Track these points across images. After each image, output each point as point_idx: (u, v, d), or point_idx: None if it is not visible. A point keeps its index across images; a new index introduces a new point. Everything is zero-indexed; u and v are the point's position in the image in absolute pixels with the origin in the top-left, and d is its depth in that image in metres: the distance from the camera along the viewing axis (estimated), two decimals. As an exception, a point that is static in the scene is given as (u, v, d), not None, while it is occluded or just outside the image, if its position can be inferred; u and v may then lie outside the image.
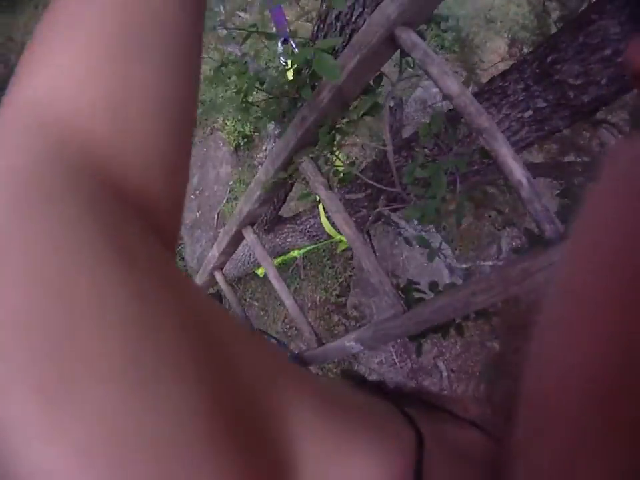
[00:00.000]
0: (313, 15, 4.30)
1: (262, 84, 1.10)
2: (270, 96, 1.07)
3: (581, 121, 1.24)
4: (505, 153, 0.83)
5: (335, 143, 1.12)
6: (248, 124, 3.75)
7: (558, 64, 1.11)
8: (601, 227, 0.24)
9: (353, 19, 1.14)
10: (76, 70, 0.36)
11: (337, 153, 1.19)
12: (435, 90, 3.80)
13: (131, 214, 0.34)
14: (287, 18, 4.34)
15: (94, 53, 0.36)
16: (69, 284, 0.26)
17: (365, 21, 1.04)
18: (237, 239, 1.53)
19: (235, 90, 1.07)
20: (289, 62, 1.50)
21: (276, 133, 1.34)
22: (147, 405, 0.25)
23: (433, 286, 1.16)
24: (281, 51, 1.89)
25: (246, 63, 1.11)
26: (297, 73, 1.00)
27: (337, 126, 1.10)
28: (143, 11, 0.39)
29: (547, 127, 1.21)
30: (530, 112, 1.20)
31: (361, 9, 1.10)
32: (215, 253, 1.67)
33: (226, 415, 0.29)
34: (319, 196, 1.16)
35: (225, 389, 0.31)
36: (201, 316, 0.33)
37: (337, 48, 1.17)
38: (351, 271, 3.46)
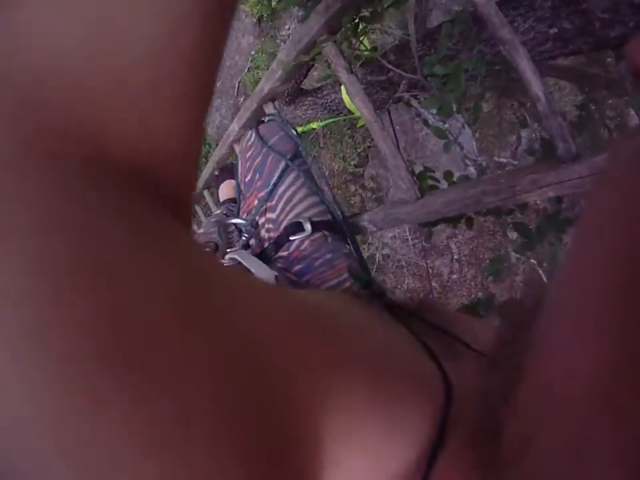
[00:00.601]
0: None
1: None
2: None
3: (604, 49, 1.24)
4: (525, 65, 0.85)
5: (359, 30, 1.14)
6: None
7: None
8: (605, 217, 0.25)
9: None
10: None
11: (362, 39, 1.21)
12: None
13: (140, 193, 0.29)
14: None
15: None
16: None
17: None
18: (258, 114, 1.54)
19: None
20: None
21: (299, 14, 1.34)
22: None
23: (448, 175, 1.20)
24: None
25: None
26: None
27: (361, 14, 1.11)
28: None
29: (570, 46, 1.21)
30: (555, 29, 1.20)
31: None
32: (235, 127, 1.69)
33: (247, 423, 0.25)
34: (340, 79, 1.19)
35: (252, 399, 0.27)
36: (224, 303, 0.29)
37: None
38: (370, 142, 3.42)
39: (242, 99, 3.60)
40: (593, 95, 1.58)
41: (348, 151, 3.50)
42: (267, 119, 1.32)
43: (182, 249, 0.30)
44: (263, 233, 1.20)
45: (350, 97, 1.20)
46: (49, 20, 0.27)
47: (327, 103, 2.12)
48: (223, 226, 1.30)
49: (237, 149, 1.24)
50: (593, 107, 1.52)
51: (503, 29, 0.86)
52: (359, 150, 3.48)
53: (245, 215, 1.26)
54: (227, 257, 1.08)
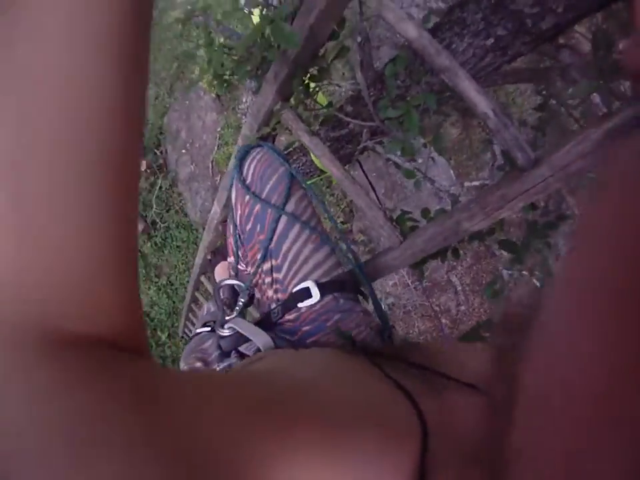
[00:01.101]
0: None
1: (230, 48, 1.15)
2: (239, 59, 1.12)
3: (543, 44, 1.26)
4: (468, 87, 0.88)
5: (311, 91, 1.18)
6: (226, 70, 3.69)
7: None
8: (603, 222, 0.25)
9: None
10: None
11: (315, 98, 1.25)
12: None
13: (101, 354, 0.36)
14: None
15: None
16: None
17: None
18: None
19: (206, 62, 1.12)
20: (254, 11, 1.53)
21: (252, 86, 1.39)
22: None
23: (425, 213, 1.22)
24: None
25: (210, 33, 1.17)
26: (262, 18, 1.03)
27: (310, 74, 1.16)
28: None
29: (510, 52, 1.25)
30: (492, 40, 1.23)
31: None
32: (216, 209, 1.72)
33: None
34: (303, 142, 1.22)
35: None
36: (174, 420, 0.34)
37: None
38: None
39: (218, 178, 3.65)
40: (552, 90, 1.61)
41: (331, 209, 3.52)
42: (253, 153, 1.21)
43: (136, 380, 0.35)
44: (270, 293, 1.16)
45: (317, 157, 1.23)
46: None
47: (298, 167, 2.17)
48: (220, 289, 1.28)
49: (233, 193, 1.23)
50: (554, 102, 1.55)
51: (439, 57, 0.90)
52: (342, 206, 3.52)
53: (249, 268, 1.22)
54: (225, 325, 1.06)
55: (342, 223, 3.53)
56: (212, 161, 3.70)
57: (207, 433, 0.35)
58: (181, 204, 3.92)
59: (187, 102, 3.94)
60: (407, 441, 0.43)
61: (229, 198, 1.51)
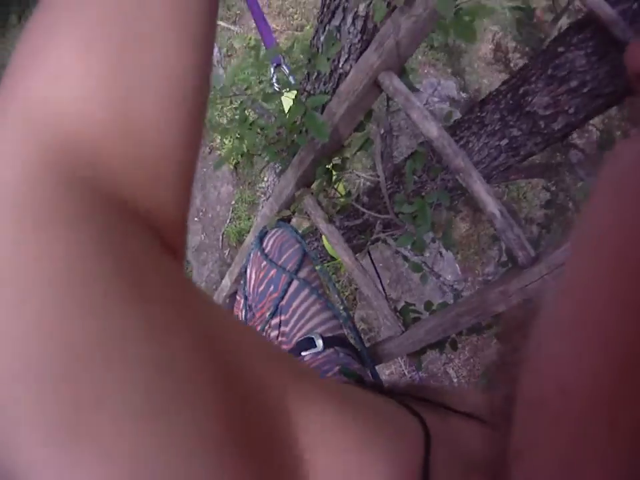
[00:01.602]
0: (304, 24, 4.43)
1: (262, 128, 1.22)
2: (270, 140, 1.19)
3: (554, 144, 1.34)
4: (479, 188, 0.96)
5: (333, 180, 1.26)
6: (257, 149, 3.74)
7: (529, 96, 1.23)
8: (603, 226, 0.24)
9: (340, 65, 1.23)
10: (77, 71, 0.34)
11: (336, 187, 1.32)
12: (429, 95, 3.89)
13: (142, 233, 0.35)
14: (277, 27, 4.42)
15: (97, 45, 0.35)
16: (78, 328, 0.27)
17: (351, 67, 1.17)
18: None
19: (238, 137, 1.19)
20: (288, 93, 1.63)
21: (276, 166, 1.46)
22: (161, 440, 0.26)
23: (428, 305, 1.30)
24: (274, 75, 1.96)
25: (245, 109, 1.24)
26: (296, 103, 1.11)
27: (334, 162, 1.23)
28: None
29: (522, 152, 1.32)
30: (506, 140, 1.30)
31: (346, 56, 1.20)
32: (227, 282, 1.78)
33: (239, 433, 0.31)
34: (320, 229, 1.30)
35: (239, 405, 0.32)
36: (213, 329, 0.35)
37: (327, 91, 1.28)
38: (355, 284, 3.53)
39: (227, 251, 3.70)
40: (562, 185, 1.66)
41: (336, 296, 3.54)
42: (272, 231, 1.38)
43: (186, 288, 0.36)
44: (275, 344, 1.21)
45: (331, 245, 1.31)
46: None
47: (311, 250, 2.23)
48: None
49: (249, 264, 1.32)
50: (564, 196, 1.61)
51: (456, 159, 0.97)
52: (346, 293, 3.56)
53: (257, 326, 1.29)
54: None
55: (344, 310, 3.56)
56: (222, 234, 3.74)
57: (248, 355, 0.37)
58: (187, 271, 3.95)
59: (205, 169, 4.01)
60: (412, 442, 0.44)
61: (240, 274, 1.58)
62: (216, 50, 3.96)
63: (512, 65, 2.24)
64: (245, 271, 1.38)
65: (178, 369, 0.29)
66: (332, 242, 1.29)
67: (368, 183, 1.54)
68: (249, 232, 1.69)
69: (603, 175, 0.26)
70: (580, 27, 1.09)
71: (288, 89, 1.17)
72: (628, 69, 0.31)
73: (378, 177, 1.21)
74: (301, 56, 3.54)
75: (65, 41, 0.35)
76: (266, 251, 1.32)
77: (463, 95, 4.02)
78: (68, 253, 0.29)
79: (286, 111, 1.39)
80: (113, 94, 0.35)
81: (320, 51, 1.16)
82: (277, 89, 1.86)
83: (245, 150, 1.23)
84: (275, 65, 1.96)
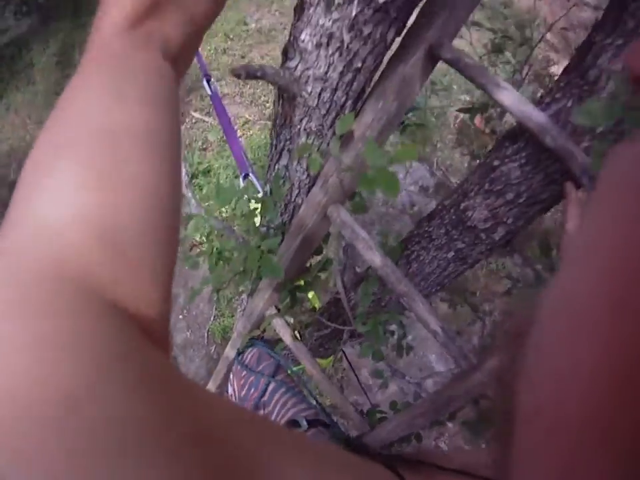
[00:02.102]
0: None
1: (228, 259, 1.36)
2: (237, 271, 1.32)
3: (499, 249, 1.40)
4: (422, 309, 1.08)
5: (297, 300, 1.39)
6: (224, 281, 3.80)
7: (469, 210, 1.28)
8: (602, 230, 0.24)
9: (292, 199, 1.32)
10: (74, 188, 0.40)
11: (301, 305, 1.45)
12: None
13: (135, 334, 0.39)
14: (249, 117, 4.56)
15: (92, 165, 0.42)
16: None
17: (302, 200, 1.29)
18: (228, 375, 1.75)
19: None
20: (252, 201, 1.76)
21: (248, 287, 1.58)
22: None
23: (393, 405, 1.42)
24: (243, 185, 2.03)
25: (214, 250, 1.38)
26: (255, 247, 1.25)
27: (297, 285, 1.37)
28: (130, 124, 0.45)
29: (470, 261, 1.41)
30: (452, 252, 1.40)
31: (297, 191, 1.28)
32: (211, 387, 1.88)
33: None
34: (288, 346, 1.44)
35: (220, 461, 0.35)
36: (201, 417, 0.38)
37: (284, 221, 1.42)
38: (342, 372, 3.60)
39: (213, 347, 3.77)
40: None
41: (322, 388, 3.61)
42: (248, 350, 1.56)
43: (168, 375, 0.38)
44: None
45: (299, 359, 1.44)
46: None
47: (288, 354, 2.33)
48: None
49: (231, 375, 1.48)
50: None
51: (400, 285, 1.08)
52: (333, 382, 3.62)
53: None
54: None
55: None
56: (207, 331, 3.82)
57: (224, 428, 0.39)
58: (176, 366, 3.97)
59: (187, 267, 4.05)
60: None
61: (222, 381, 1.71)
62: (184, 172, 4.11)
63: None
64: (228, 380, 1.55)
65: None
66: (299, 357, 1.42)
67: (335, 295, 1.66)
68: (231, 329, 1.76)
69: (602, 178, 0.26)
70: (513, 136, 1.13)
71: (255, 202, 1.30)
72: (630, 69, 0.30)
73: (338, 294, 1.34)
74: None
75: (67, 163, 0.42)
76: (245, 363, 1.49)
77: (436, 174, 4.19)
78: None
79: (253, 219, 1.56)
80: (102, 210, 0.41)
81: (269, 192, 1.29)
82: (249, 200, 1.98)
83: (216, 286, 1.36)
84: (243, 174, 2.05)
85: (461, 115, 4.22)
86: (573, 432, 0.22)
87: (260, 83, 4.91)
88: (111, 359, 0.33)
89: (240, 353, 1.54)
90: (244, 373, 1.47)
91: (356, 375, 1.92)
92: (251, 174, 2.05)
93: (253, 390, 1.42)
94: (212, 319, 3.85)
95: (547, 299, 0.28)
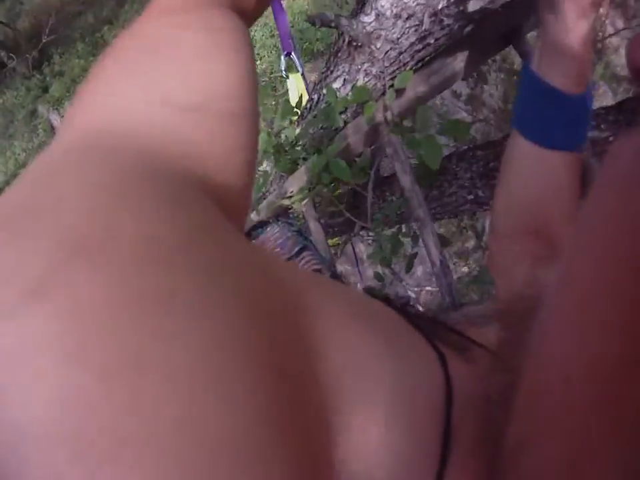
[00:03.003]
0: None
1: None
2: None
3: None
4: (430, 237, 1.21)
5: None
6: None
7: (497, 172, 1.27)
8: (603, 219, 0.24)
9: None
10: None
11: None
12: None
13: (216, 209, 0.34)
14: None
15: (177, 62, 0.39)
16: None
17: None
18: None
19: None
20: (289, 75, 1.93)
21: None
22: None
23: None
24: (284, 64, 2.13)
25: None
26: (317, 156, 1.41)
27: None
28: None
29: (484, 207, 1.56)
30: (472, 196, 1.51)
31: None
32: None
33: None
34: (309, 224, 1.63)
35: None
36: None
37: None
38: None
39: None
40: None
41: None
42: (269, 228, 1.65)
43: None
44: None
45: (313, 239, 1.61)
46: None
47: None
48: None
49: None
50: None
51: (418, 209, 1.24)
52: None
53: None
54: None
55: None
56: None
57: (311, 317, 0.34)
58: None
59: None
60: (435, 381, 0.38)
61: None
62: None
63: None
64: None
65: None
66: (315, 238, 1.59)
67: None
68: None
69: (602, 172, 0.26)
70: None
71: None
72: (630, 63, 0.30)
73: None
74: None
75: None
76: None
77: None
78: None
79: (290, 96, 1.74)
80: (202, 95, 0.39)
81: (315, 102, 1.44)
82: (285, 76, 2.08)
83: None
84: (285, 53, 2.09)
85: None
86: (581, 410, 0.22)
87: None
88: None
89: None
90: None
91: (359, 271, 2.04)
92: (293, 53, 2.10)
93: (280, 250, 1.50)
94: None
95: (557, 282, 0.28)
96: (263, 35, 4.82)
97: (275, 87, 4.81)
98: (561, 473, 0.23)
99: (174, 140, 0.35)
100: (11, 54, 5.91)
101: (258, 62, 4.80)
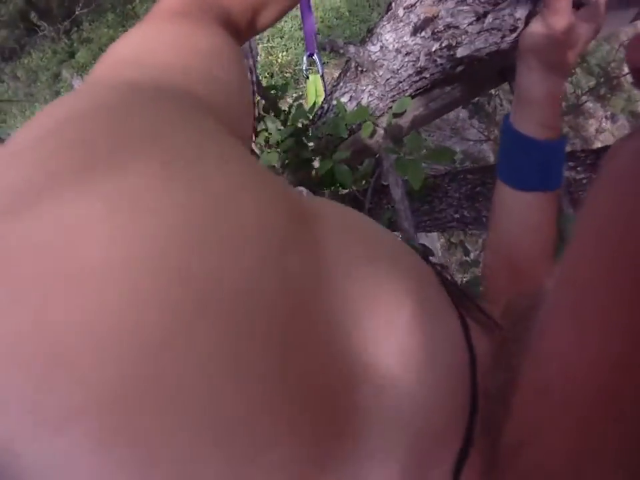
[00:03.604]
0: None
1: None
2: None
3: None
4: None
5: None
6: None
7: (481, 196, 1.48)
8: (603, 218, 0.25)
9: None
10: None
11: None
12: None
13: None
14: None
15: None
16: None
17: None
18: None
19: None
20: (310, 75, 1.98)
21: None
22: None
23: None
24: (306, 64, 2.13)
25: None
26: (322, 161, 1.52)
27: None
28: None
29: (470, 227, 1.63)
30: (457, 215, 1.59)
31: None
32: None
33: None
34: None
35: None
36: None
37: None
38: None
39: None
40: None
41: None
42: None
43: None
44: None
45: None
46: None
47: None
48: None
49: None
50: None
51: (404, 222, 1.35)
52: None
53: None
54: None
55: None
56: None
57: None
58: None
59: None
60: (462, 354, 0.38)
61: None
62: None
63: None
64: None
65: None
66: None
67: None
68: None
69: (602, 173, 0.27)
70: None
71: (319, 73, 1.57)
72: (629, 63, 0.30)
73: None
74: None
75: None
76: None
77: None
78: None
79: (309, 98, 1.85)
80: None
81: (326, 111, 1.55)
82: (306, 77, 2.16)
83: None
84: (308, 54, 2.08)
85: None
86: (582, 408, 0.22)
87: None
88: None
89: None
90: None
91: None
92: (315, 55, 2.11)
93: None
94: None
95: (557, 280, 0.28)
96: (292, 27, 4.92)
97: (297, 79, 4.92)
98: (561, 472, 0.23)
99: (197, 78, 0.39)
100: (41, 20, 5.96)
101: (284, 53, 4.90)
